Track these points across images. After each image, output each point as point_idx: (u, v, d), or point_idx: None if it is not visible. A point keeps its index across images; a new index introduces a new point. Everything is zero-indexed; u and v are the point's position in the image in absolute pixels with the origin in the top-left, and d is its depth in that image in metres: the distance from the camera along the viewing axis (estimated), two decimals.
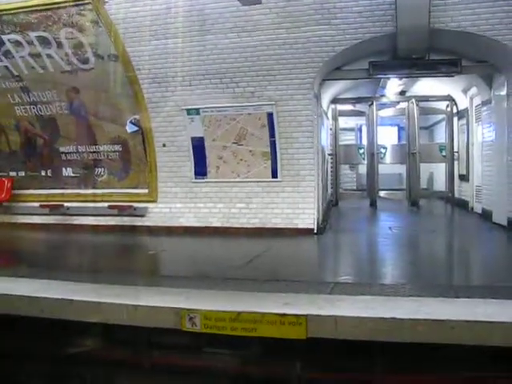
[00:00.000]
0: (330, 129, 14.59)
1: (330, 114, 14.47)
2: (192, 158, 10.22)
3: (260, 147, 9.86)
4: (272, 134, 9.75)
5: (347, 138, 18.19)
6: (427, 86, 13.63)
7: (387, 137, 17.66)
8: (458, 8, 8.66)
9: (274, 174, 9.90)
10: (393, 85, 13.44)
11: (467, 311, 4.35)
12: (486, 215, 11.17)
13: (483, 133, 11.59)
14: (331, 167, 14.50)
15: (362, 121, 16.84)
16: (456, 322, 4.11)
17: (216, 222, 10.13)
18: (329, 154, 14.09)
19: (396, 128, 19.55)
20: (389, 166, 15.61)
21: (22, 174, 11.69)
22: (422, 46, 9.26)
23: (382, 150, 14.47)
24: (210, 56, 9.62)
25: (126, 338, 4.95)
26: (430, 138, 18.46)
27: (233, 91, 9.75)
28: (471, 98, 12.64)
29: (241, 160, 10.00)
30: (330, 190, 14.12)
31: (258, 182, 9.98)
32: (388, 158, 14.68)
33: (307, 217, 9.75)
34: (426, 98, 14.49)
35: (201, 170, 10.24)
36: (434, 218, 13.07)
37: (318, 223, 9.87)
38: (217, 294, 5.02)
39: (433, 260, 7.73)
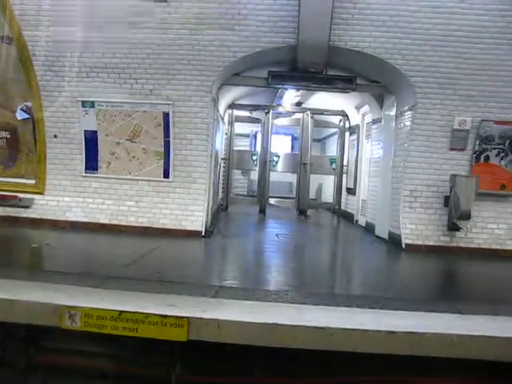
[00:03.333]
0: (226, 133, 14.68)
1: (226, 119, 14.58)
2: (84, 151, 9.98)
3: (154, 146, 9.80)
4: (167, 134, 9.72)
5: (242, 144, 18.33)
6: (323, 99, 14.02)
7: (281, 145, 17.95)
8: (357, 29, 9.11)
9: (166, 174, 9.86)
10: (290, 95, 13.74)
11: (345, 319, 4.54)
12: (369, 228, 11.67)
13: (372, 149, 12.12)
14: (223, 172, 14.61)
15: (257, 128, 17.08)
16: (334, 330, 4.28)
17: (104, 219, 9.91)
18: (222, 159, 14.20)
19: (290, 137, 19.98)
20: (281, 175, 15.91)
21: None
22: (320, 60, 9.61)
23: (275, 158, 14.71)
24: (109, 49, 9.49)
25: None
26: (323, 150, 19.02)
27: (130, 87, 9.66)
28: (363, 115, 13.16)
29: (133, 157, 9.89)
30: (220, 194, 14.21)
31: (149, 180, 9.90)
32: (280, 167, 14.93)
33: (196, 219, 9.77)
34: (321, 112, 14.93)
35: (92, 164, 10.01)
36: (320, 228, 13.50)
37: (206, 226, 9.94)
38: (99, 292, 4.94)
39: (315, 269, 7.99)
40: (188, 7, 9.12)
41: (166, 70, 9.51)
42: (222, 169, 14.09)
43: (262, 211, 14.29)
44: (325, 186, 17.38)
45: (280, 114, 15.16)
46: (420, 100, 9.39)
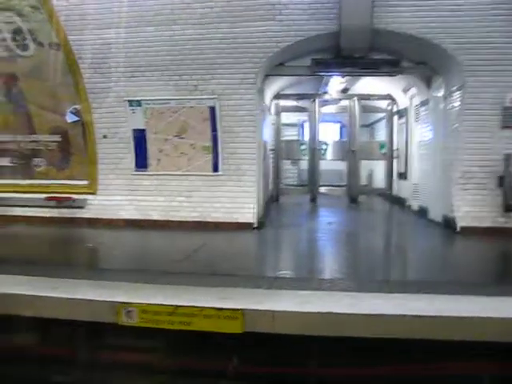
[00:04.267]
0: (273, 124, 14.65)
1: (272, 110, 14.55)
2: (133, 150, 10.11)
3: (201, 141, 9.84)
4: (214, 128, 9.75)
5: (290, 134, 18.26)
6: (369, 84, 13.84)
7: (330, 133, 17.82)
8: (400, 10, 8.91)
9: (215, 168, 9.89)
10: (335, 82, 13.60)
11: (400, 306, 4.47)
12: (422, 212, 11.47)
13: (421, 132, 11.90)
14: (273, 162, 14.60)
15: (304, 117, 16.93)
16: (389, 317, 4.23)
17: (156, 215, 10.04)
18: (271, 150, 14.18)
19: (338, 125, 19.79)
20: (331, 163, 15.76)
21: None
22: (364, 45, 9.45)
23: (324, 147, 14.63)
24: (152, 48, 9.58)
25: (61, 333, 4.90)
26: (372, 135, 18.75)
27: (175, 84, 9.70)
28: (411, 98, 12.93)
29: (182, 153, 9.95)
30: (270, 185, 14.21)
31: (198, 175, 9.94)
32: (329, 155, 14.85)
33: (247, 211, 9.78)
34: (368, 97, 14.70)
35: (142, 162, 10.14)
36: (371, 214, 13.31)
37: (257, 218, 9.93)
38: (154, 288, 5.00)
39: (368, 255, 7.91)
40: (227, 0, 9.13)
41: (209, 64, 9.51)
42: (271, 160, 14.07)
43: (313, 200, 14.25)
44: (376, 171, 17.15)
45: (326, 101, 15.01)
46: (468, 79, 9.11)
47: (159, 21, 9.40)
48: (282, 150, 14.88)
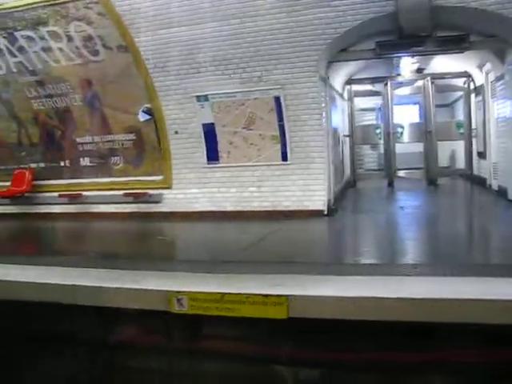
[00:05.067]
0: (346, 109, 14.57)
1: (345, 95, 14.47)
2: (204, 143, 10.37)
3: (269, 131, 9.95)
4: (280, 118, 9.83)
5: (368, 118, 18.06)
6: (443, 62, 13.47)
7: (408, 115, 17.44)
8: None
9: (284, 157, 9.98)
10: (406, 63, 13.34)
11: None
12: (501, 192, 11.09)
13: (498, 109, 11.49)
14: (349, 148, 14.54)
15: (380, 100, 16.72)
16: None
17: (229, 206, 10.27)
18: (345, 135, 14.12)
19: (417, 106, 19.35)
20: (409, 145, 15.50)
21: (42, 165, 11.99)
22: (424, 23, 9.19)
23: (399, 130, 14.41)
24: (215, 43, 9.75)
25: (119, 321, 5.17)
26: (452, 115, 18.24)
27: (240, 76, 9.84)
28: (486, 74, 12.49)
29: (251, 144, 10.10)
30: (347, 171, 14.15)
31: (268, 165, 10.07)
32: (406, 137, 14.62)
33: (318, 199, 9.81)
34: (442, 76, 14.33)
35: (213, 155, 10.38)
36: (448, 197, 12.98)
37: (329, 205, 9.96)
38: (205, 277, 5.15)
39: (438, 240, 7.66)
40: None
41: (271, 55, 9.58)
42: (345, 146, 14.01)
43: (390, 184, 14.09)
44: (458, 152, 16.68)
45: (401, 83, 14.79)
46: None
47: (219, 16, 9.55)
48: (358, 136, 14.79)
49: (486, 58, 11.67)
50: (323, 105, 9.94)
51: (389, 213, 10.38)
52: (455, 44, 9.85)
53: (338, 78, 12.72)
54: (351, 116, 14.79)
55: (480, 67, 12.73)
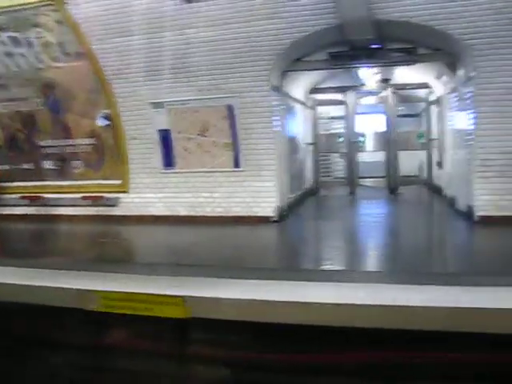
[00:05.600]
0: (310, 118, 14.84)
1: (309, 104, 14.73)
2: (160, 149, 10.62)
3: (222, 138, 10.21)
4: (233, 126, 10.09)
5: (338, 127, 18.24)
6: (405, 74, 13.75)
7: (374, 124, 17.63)
8: None
9: (237, 164, 10.24)
10: (367, 73, 13.60)
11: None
12: (452, 201, 11.36)
13: (451, 120, 11.78)
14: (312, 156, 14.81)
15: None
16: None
17: (183, 211, 10.53)
18: (309, 144, 14.38)
19: (384, 116, 19.58)
20: (373, 154, 15.78)
21: (7, 167, 12.20)
22: (369, 36, 9.48)
23: (361, 139, 14.69)
24: (171, 51, 9.93)
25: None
26: (419, 125, 18.51)
27: (195, 84, 10.08)
28: (444, 86, 12.79)
29: (205, 151, 10.36)
30: (309, 179, 14.38)
31: (222, 171, 10.33)
32: (370, 146, 14.90)
33: (267, 205, 10.06)
34: (404, 86, 14.62)
35: (169, 161, 10.63)
36: (402, 205, 13.34)
37: (280, 211, 10.21)
38: (116, 277, 5.41)
39: (374, 246, 8.03)
40: (236, 1, 9.43)
41: (225, 64, 9.83)
42: (308, 153, 14.27)
43: (352, 193, 14.34)
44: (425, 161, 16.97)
45: (364, 93, 15.04)
46: (481, 64, 8.93)
47: (175, 25, 9.77)
48: (321, 144, 15.03)
49: (442, 70, 11.96)
50: (275, 113, 10.20)
51: (337, 220, 10.66)
52: (403, 56, 10.14)
53: (300, 87, 12.98)
54: (315, 124, 15.02)
55: (438, 79, 13.01)
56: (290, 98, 11.89)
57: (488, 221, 9.00)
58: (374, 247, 8.11)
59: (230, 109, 10.03)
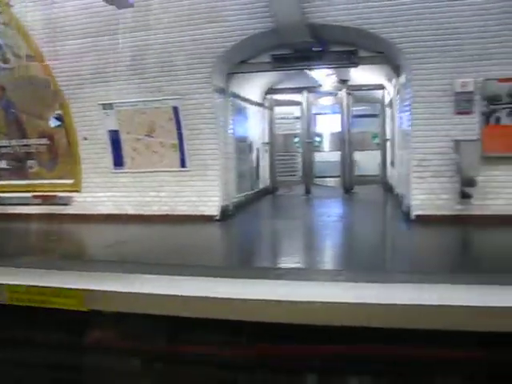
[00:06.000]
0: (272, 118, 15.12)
1: (266, 104, 15.00)
2: (110, 149, 10.88)
3: (169, 139, 10.47)
4: (179, 127, 10.35)
5: (297, 127, 18.47)
6: (360, 75, 14.02)
7: (331, 125, 17.89)
8: (333, 3, 9.19)
9: (183, 164, 10.50)
10: (320, 75, 13.83)
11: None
12: (399, 200, 11.66)
13: (398, 121, 12.11)
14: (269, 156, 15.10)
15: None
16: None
17: (131, 210, 10.79)
18: (266, 143, 14.67)
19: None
20: (329, 154, 16.06)
21: None
22: (305, 39, 9.82)
23: (317, 139, 14.97)
24: (118, 54, 10.23)
25: None
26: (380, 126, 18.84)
27: (141, 86, 10.37)
28: (394, 88, 13.11)
29: (153, 151, 10.63)
30: (265, 178, 14.66)
31: (169, 171, 10.60)
32: (326, 146, 15.18)
33: (212, 204, 10.34)
34: (359, 87, 14.91)
35: (118, 161, 10.88)
36: (353, 204, 13.66)
37: (225, 210, 10.51)
38: (26, 272, 5.65)
39: (310, 245, 8.29)
40: (178, 5, 9.74)
41: (170, 66, 10.12)
42: (263, 153, 14.54)
43: (308, 192, 14.63)
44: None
45: (320, 94, 15.31)
46: (414, 66, 9.24)
47: (123, 28, 10.06)
48: (278, 144, 15.31)
49: (390, 73, 12.26)
50: (220, 114, 10.50)
51: (283, 219, 10.95)
52: (346, 59, 10.44)
53: (255, 88, 13.27)
54: (271, 125, 15.31)
55: (389, 81, 13.32)
56: (240, 98, 12.16)
57: (425, 220, 9.31)
58: (304, 245, 8.37)
59: (175, 110, 10.29)
